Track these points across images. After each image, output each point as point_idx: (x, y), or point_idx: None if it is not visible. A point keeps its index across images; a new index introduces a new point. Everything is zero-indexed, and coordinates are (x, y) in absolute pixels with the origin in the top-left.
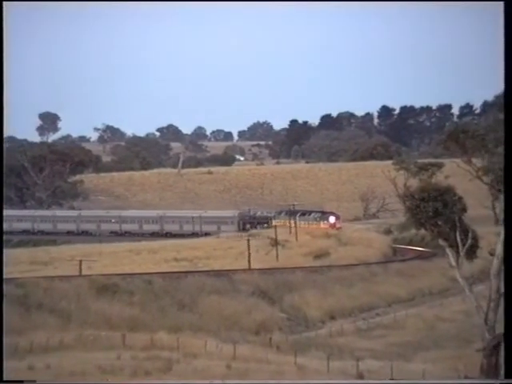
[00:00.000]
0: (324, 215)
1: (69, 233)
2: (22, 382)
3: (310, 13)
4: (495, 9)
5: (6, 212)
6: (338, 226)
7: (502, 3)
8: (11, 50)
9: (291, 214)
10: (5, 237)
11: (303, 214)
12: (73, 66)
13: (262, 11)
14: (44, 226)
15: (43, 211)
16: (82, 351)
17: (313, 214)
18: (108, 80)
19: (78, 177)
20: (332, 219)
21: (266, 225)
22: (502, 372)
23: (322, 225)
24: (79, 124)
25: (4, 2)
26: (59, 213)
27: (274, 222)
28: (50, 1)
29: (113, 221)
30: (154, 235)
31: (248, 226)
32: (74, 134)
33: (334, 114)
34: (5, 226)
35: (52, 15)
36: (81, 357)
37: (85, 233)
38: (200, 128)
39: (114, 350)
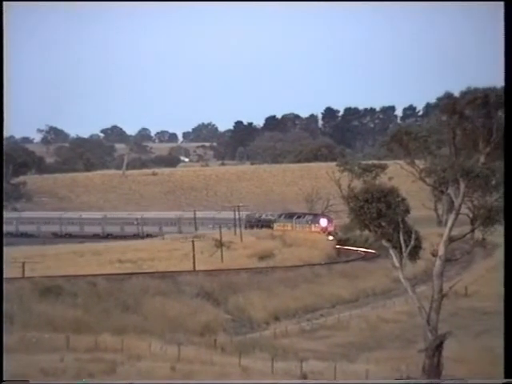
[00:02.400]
0: (315, 218)
1: (95, 235)
2: (20, 382)
3: (252, 16)
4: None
5: (33, 214)
6: (330, 229)
7: (501, 4)
8: None
9: (289, 217)
10: (34, 240)
11: (299, 216)
12: (14, 67)
13: (207, 14)
14: (72, 228)
15: (70, 213)
16: (24, 353)
17: (306, 217)
18: (51, 81)
19: (21, 178)
20: (324, 222)
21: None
22: (444, 372)
23: (314, 228)
24: (22, 125)
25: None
26: (85, 215)
27: (275, 225)
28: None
29: (135, 223)
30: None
31: (254, 227)
32: (17, 135)
33: (279, 116)
34: (32, 229)
35: None
36: (23, 359)
37: (110, 235)
38: (144, 129)
39: (57, 352)
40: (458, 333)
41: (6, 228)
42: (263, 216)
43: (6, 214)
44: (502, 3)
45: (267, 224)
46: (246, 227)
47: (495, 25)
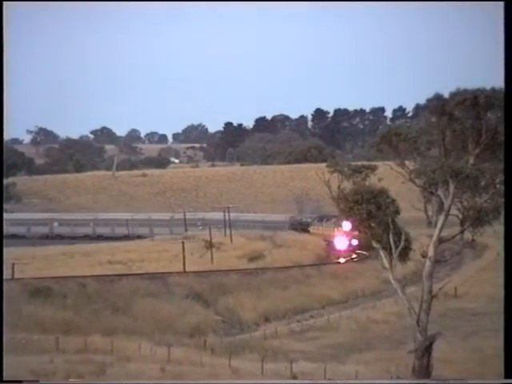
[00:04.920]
0: (338, 221)
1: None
2: (21, 381)
3: (241, 18)
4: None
5: (107, 216)
6: (355, 232)
7: (501, 3)
8: None
9: (321, 219)
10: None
11: (328, 219)
12: (6, 69)
13: (196, 16)
14: (142, 230)
15: (141, 215)
16: (13, 355)
17: (332, 220)
18: (39, 82)
19: (10, 179)
20: (346, 226)
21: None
22: (433, 373)
23: (337, 231)
24: (12, 126)
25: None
26: (154, 216)
27: (311, 228)
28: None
29: (198, 224)
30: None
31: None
32: (6, 137)
33: (269, 117)
34: (106, 231)
35: None
36: (13, 361)
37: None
38: (134, 130)
39: (46, 354)
40: (448, 334)
41: (83, 230)
42: (303, 219)
43: (84, 216)
44: (501, 3)
45: (305, 227)
46: (289, 230)
47: (495, 25)
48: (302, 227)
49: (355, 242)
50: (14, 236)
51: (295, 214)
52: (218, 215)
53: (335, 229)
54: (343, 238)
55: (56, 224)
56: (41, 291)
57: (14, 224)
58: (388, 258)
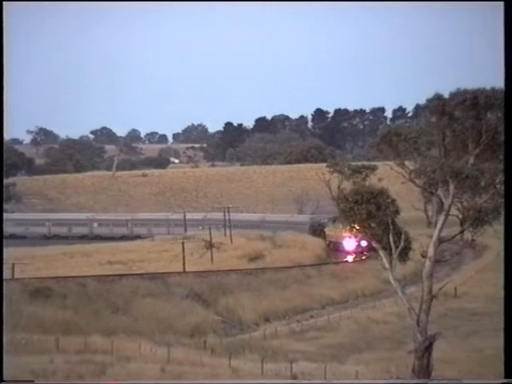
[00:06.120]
0: None
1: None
2: (21, 382)
3: (241, 18)
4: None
5: (141, 216)
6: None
7: (501, 3)
8: None
9: (334, 220)
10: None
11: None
12: (6, 68)
13: (195, 15)
14: (177, 230)
15: (176, 215)
16: (13, 355)
17: None
18: (40, 82)
19: (10, 179)
20: None
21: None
22: (433, 373)
23: (345, 232)
24: (12, 126)
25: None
26: (189, 216)
27: (326, 229)
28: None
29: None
30: None
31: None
32: (7, 137)
33: (269, 117)
34: (143, 231)
35: None
36: (13, 361)
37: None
38: (134, 130)
39: (46, 354)
40: (448, 334)
41: (120, 230)
42: (321, 220)
43: (121, 217)
44: (501, 3)
45: (323, 228)
46: (309, 232)
47: (495, 25)
48: (320, 228)
49: (364, 243)
50: (56, 237)
51: (316, 215)
52: (249, 216)
53: (343, 229)
54: (352, 238)
55: (96, 225)
56: (41, 291)
57: (55, 224)
58: (388, 258)
